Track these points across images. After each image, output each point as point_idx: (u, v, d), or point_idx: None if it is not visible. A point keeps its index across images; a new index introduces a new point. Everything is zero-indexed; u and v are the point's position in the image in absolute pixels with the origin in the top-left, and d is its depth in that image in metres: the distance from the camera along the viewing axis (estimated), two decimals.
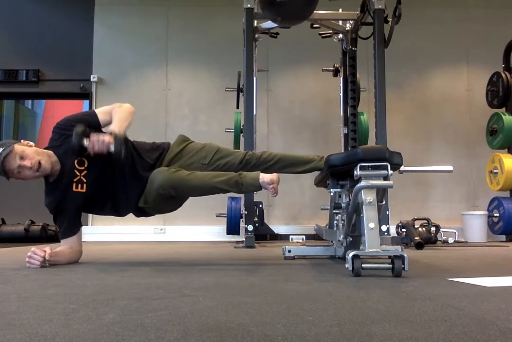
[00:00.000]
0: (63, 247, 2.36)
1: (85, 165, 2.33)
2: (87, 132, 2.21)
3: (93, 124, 2.34)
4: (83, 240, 2.49)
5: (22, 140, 2.32)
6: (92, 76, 6.12)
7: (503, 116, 5.19)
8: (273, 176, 2.36)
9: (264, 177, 2.36)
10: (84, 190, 2.34)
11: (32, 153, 2.24)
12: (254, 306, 1.20)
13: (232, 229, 4.67)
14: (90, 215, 5.70)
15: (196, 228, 5.63)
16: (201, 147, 2.57)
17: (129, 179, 2.39)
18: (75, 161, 2.32)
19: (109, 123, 2.33)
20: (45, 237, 5.10)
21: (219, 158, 2.54)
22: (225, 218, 4.69)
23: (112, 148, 2.16)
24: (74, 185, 2.32)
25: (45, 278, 1.83)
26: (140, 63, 6.22)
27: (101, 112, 2.41)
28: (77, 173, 2.33)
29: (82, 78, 6.17)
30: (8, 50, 6.27)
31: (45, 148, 2.37)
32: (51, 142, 2.39)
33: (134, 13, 6.30)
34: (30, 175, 2.25)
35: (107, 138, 2.18)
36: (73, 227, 2.40)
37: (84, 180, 2.33)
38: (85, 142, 2.18)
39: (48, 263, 2.17)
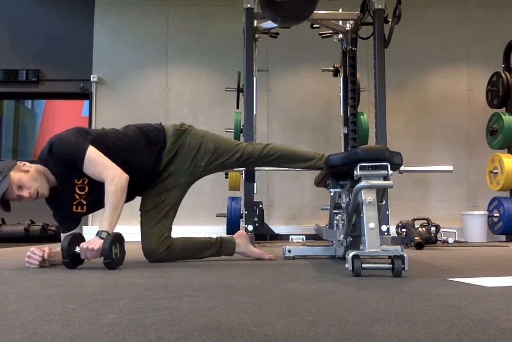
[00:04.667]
0: None
1: (86, 191, 2.32)
2: (76, 241, 2.11)
3: (75, 167, 2.24)
4: None
5: (18, 162, 2.25)
6: (92, 76, 6.12)
7: (503, 116, 5.19)
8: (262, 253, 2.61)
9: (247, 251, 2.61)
10: (84, 210, 2.37)
11: (29, 181, 2.19)
12: (254, 306, 1.20)
13: (232, 229, 4.67)
14: (90, 215, 5.71)
15: (196, 228, 5.62)
16: (198, 145, 2.52)
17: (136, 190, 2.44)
18: (76, 188, 2.30)
19: (91, 176, 2.25)
20: (45, 237, 5.10)
21: (215, 159, 2.55)
22: (225, 218, 4.69)
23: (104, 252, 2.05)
24: (74, 207, 2.34)
25: (45, 278, 1.83)
26: (140, 63, 6.22)
27: (91, 162, 2.23)
28: (77, 197, 2.32)
29: (82, 78, 6.17)
30: (8, 50, 6.27)
31: (39, 160, 2.30)
32: (46, 161, 2.29)
33: (134, 13, 6.30)
34: (28, 201, 2.26)
35: (97, 246, 2.04)
36: (74, 224, 2.42)
37: (84, 202, 2.34)
38: (77, 250, 2.08)
39: (48, 263, 2.18)
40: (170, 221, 2.52)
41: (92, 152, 2.24)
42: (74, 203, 2.32)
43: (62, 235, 2.41)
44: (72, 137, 2.28)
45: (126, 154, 2.36)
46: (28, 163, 2.27)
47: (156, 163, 2.44)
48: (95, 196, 2.31)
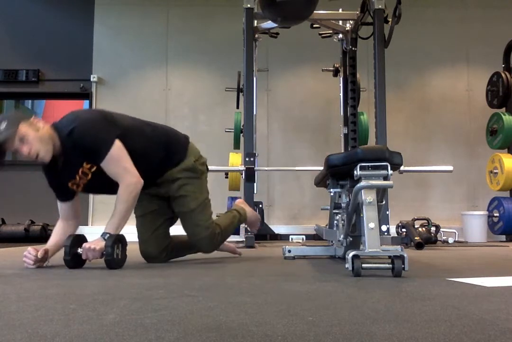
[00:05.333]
0: (56, 232, 2.30)
1: (88, 178, 2.24)
2: (79, 242, 2.12)
3: (92, 159, 2.16)
4: None
5: (33, 117, 2.17)
6: (92, 76, 6.11)
7: (503, 116, 5.19)
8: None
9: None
10: (78, 190, 2.32)
11: (34, 140, 2.08)
12: (254, 306, 1.20)
13: None
14: (90, 215, 5.71)
15: None
16: (187, 195, 2.39)
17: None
18: (80, 170, 2.21)
19: (107, 173, 2.17)
20: (45, 237, 5.09)
21: (185, 217, 2.43)
22: None
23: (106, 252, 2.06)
24: (70, 183, 2.27)
25: (45, 278, 1.83)
26: (140, 63, 6.22)
27: (112, 161, 2.14)
28: (77, 178, 2.24)
29: (82, 78, 6.16)
30: (8, 50, 6.26)
31: (53, 125, 2.20)
32: (61, 137, 2.17)
33: (134, 13, 6.30)
34: (26, 158, 2.13)
35: (99, 246, 2.05)
36: (70, 195, 2.34)
37: (81, 185, 2.28)
38: (79, 250, 2.09)
39: (50, 263, 2.18)
40: (166, 230, 2.51)
41: (116, 151, 2.14)
42: (71, 181, 2.25)
43: (59, 203, 2.33)
44: (98, 126, 2.17)
45: (137, 159, 2.23)
46: (42, 122, 2.17)
47: (157, 176, 2.39)
48: (95, 184, 2.26)
